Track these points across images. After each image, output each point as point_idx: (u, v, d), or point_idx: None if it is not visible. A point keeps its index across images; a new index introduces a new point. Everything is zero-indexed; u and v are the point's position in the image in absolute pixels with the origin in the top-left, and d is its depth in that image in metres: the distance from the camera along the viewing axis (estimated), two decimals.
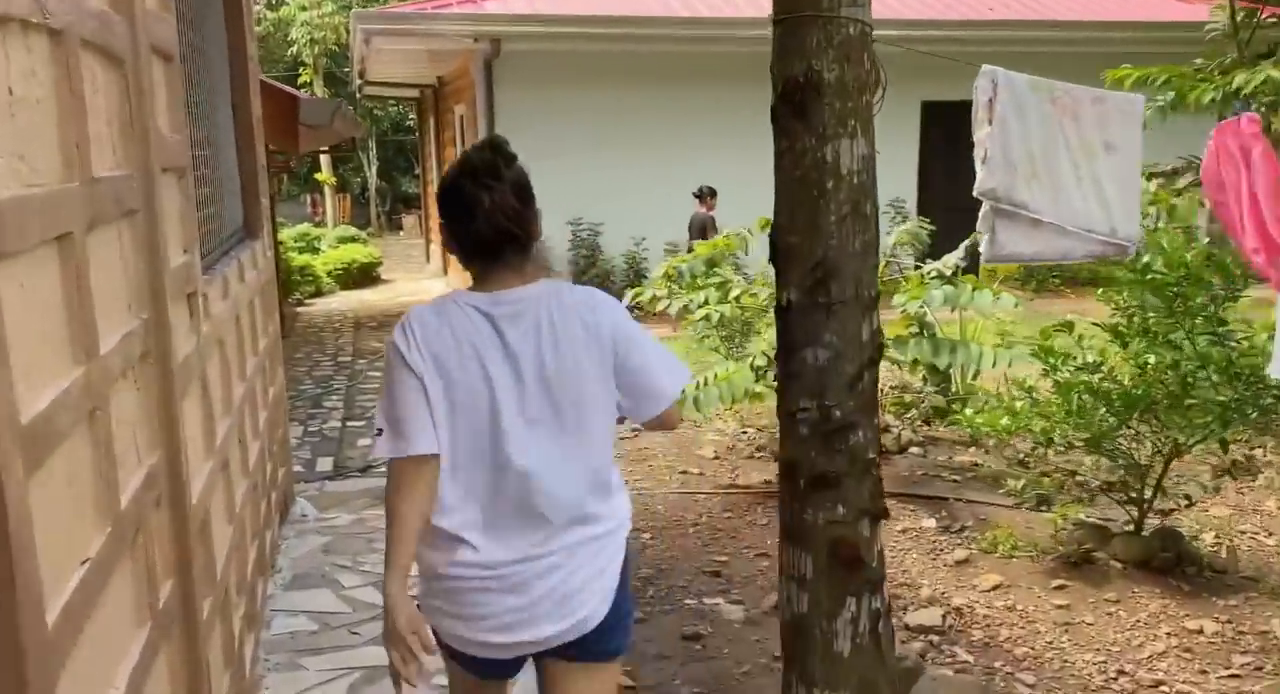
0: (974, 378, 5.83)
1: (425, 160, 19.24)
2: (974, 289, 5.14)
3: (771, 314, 3.13)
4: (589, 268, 11.86)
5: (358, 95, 19.98)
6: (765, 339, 5.79)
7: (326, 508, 5.28)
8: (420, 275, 17.60)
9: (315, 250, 17.06)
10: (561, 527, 1.91)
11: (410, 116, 27.76)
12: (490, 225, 1.87)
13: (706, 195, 10.64)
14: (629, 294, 6.55)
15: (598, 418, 1.95)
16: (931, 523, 4.90)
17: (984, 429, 4.57)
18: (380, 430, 1.89)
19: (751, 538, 4.86)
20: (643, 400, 2.00)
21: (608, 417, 1.98)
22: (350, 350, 10.61)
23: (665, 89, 11.95)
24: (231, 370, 3.41)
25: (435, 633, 1.93)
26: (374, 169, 27.49)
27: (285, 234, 18.70)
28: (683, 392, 2.21)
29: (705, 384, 5.31)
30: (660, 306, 6.50)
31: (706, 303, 6.40)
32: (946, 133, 12.77)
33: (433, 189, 19.18)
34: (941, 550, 4.60)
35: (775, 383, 2.77)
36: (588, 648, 1.96)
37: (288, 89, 9.75)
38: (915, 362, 5.45)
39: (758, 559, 4.60)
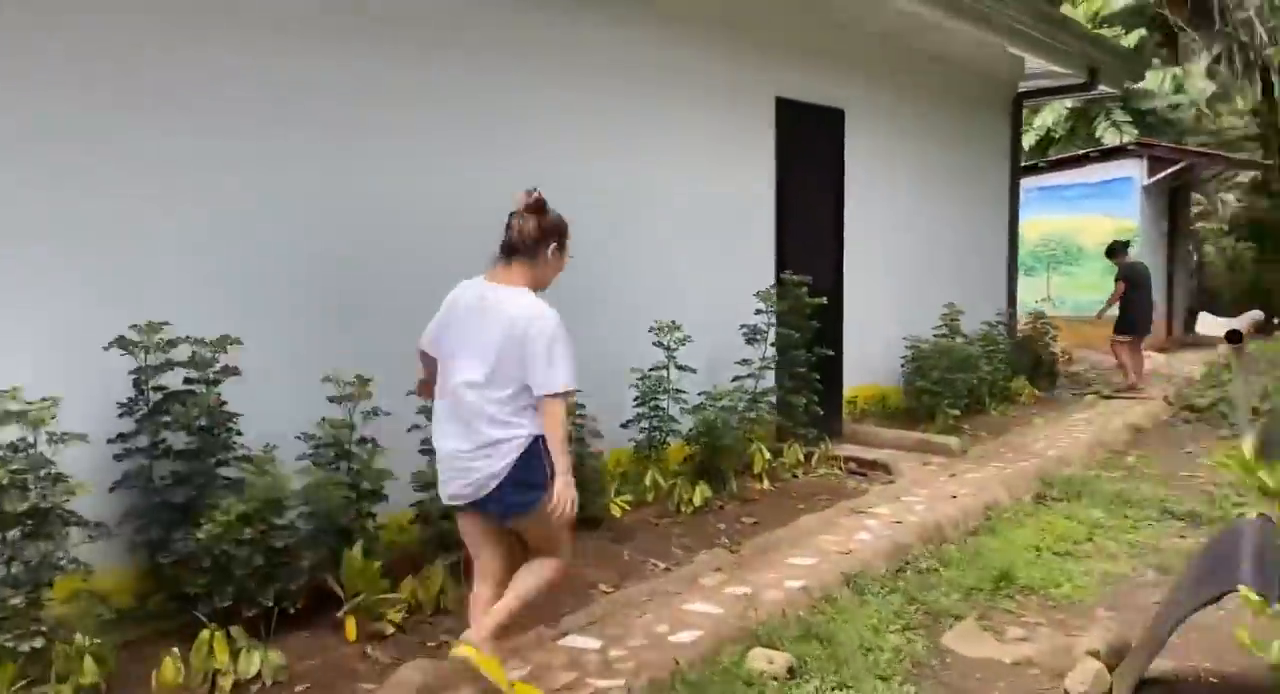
0: None
1: None
2: None
3: None
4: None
5: None
6: None
7: None
8: None
9: None
10: (477, 433, 3.28)
11: None
12: (508, 237, 3.40)
13: None
14: None
15: (513, 375, 3.27)
16: None
17: None
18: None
19: None
20: (530, 382, 3.27)
21: (520, 375, 3.27)
22: None
23: None
24: None
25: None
26: None
27: None
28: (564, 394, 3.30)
29: None
30: None
31: None
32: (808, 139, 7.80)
33: None
34: None
35: None
36: (488, 503, 3.34)
37: None
38: None
39: None
